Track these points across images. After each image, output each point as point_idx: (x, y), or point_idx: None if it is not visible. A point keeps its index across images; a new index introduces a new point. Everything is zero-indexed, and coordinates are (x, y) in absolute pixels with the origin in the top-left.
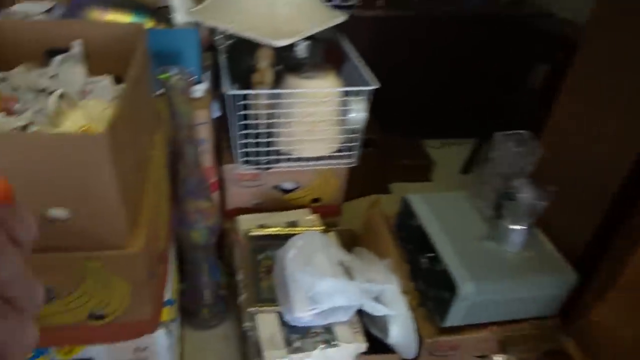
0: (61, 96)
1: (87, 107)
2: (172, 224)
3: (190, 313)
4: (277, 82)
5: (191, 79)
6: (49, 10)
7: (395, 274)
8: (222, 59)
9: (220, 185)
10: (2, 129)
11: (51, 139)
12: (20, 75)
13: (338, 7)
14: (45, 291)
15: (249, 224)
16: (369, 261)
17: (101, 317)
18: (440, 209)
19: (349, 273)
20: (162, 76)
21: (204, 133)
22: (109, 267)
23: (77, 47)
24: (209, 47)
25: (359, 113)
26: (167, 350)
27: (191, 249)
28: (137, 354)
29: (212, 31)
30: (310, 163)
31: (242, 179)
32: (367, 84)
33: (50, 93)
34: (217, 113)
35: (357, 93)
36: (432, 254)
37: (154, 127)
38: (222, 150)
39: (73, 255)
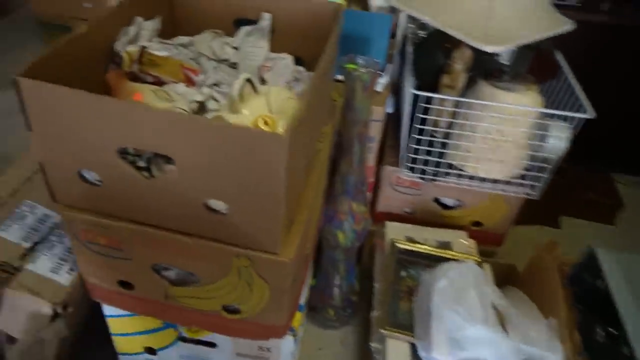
0: (247, 80)
1: (269, 94)
2: (320, 220)
3: (314, 309)
4: (467, 87)
5: (378, 73)
6: None
7: (560, 339)
8: (409, 51)
9: (375, 185)
10: (180, 101)
11: (226, 129)
12: (205, 42)
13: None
14: None
15: (397, 233)
16: (528, 313)
17: (235, 312)
18: (637, 275)
19: (502, 322)
20: (349, 66)
21: (375, 131)
22: (256, 269)
23: (266, 20)
24: (392, 35)
25: (559, 142)
26: (290, 355)
27: (332, 247)
28: (261, 352)
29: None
30: (484, 185)
31: (401, 184)
32: (578, 110)
33: (232, 65)
34: (390, 109)
35: (564, 118)
36: (615, 330)
37: (327, 118)
38: (385, 148)
39: (224, 248)
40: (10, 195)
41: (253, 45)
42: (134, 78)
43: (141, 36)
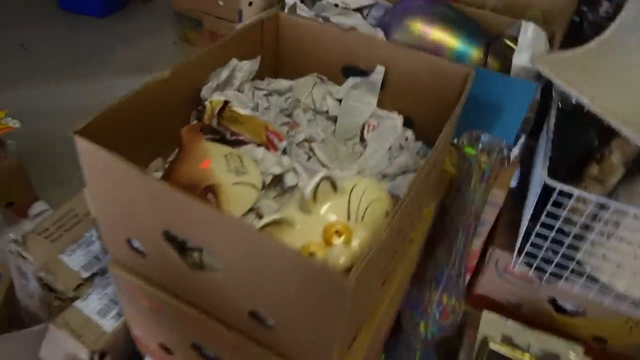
0: (325, 178)
1: (353, 192)
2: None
3: None
4: (621, 181)
5: (503, 163)
6: (367, 7)
7: None
8: (552, 119)
9: (479, 263)
10: (253, 172)
11: (278, 249)
12: (306, 88)
13: None
14: None
15: (494, 328)
16: None
17: None
18: None
19: None
20: (468, 150)
21: (490, 215)
22: None
23: (378, 74)
24: None
25: None
26: None
27: (411, 333)
28: None
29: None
30: (619, 303)
31: (509, 272)
32: None
33: (331, 118)
34: (514, 182)
35: None
36: None
37: (431, 198)
38: (499, 224)
39: (266, 354)
40: (86, 214)
41: (359, 100)
42: (213, 130)
43: (235, 77)
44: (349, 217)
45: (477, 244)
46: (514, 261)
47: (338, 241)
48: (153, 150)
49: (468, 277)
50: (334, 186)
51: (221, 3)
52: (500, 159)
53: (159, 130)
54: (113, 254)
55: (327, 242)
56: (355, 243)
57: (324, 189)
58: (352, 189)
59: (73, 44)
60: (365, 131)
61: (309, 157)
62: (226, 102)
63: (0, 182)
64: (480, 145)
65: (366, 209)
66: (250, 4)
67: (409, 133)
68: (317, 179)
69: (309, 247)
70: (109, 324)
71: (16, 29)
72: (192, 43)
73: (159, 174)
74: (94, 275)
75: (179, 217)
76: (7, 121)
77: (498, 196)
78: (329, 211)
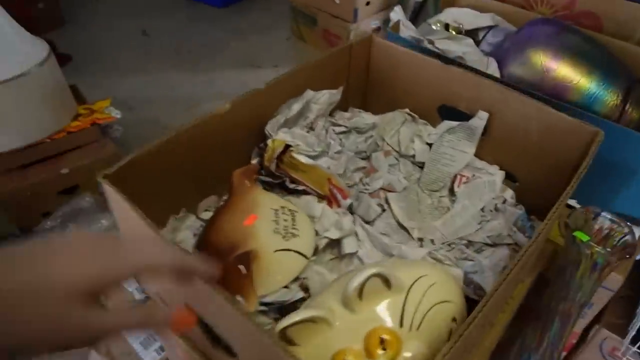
0: (377, 275)
1: (416, 289)
2: None
3: None
4: None
5: (625, 254)
6: (483, 30)
7: None
8: None
9: (579, 341)
10: (304, 234)
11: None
12: (393, 126)
13: None
14: None
15: None
16: None
17: None
18: None
19: None
20: (579, 235)
21: (600, 299)
22: None
23: (481, 120)
24: None
25: None
26: None
27: None
28: None
29: None
30: None
31: (617, 358)
32: None
33: (417, 164)
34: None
35: None
36: None
37: (525, 275)
38: (610, 301)
39: None
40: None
41: (453, 147)
42: (271, 173)
43: (309, 110)
44: (401, 323)
45: (580, 325)
46: (624, 348)
47: (381, 354)
48: (210, 186)
49: (564, 354)
50: (388, 284)
51: (337, 1)
52: (621, 250)
53: (217, 167)
54: (152, 298)
55: (369, 353)
56: (406, 356)
57: (374, 286)
58: (411, 286)
59: (190, 34)
60: (456, 184)
61: (383, 210)
62: (287, 147)
63: (98, 170)
64: (595, 227)
65: (426, 313)
66: (368, 3)
67: (509, 194)
68: (363, 276)
69: (345, 353)
70: (150, 357)
71: (141, 16)
72: (305, 40)
73: (209, 214)
74: (147, 298)
75: (197, 296)
76: (110, 111)
77: (614, 282)
78: (377, 313)
